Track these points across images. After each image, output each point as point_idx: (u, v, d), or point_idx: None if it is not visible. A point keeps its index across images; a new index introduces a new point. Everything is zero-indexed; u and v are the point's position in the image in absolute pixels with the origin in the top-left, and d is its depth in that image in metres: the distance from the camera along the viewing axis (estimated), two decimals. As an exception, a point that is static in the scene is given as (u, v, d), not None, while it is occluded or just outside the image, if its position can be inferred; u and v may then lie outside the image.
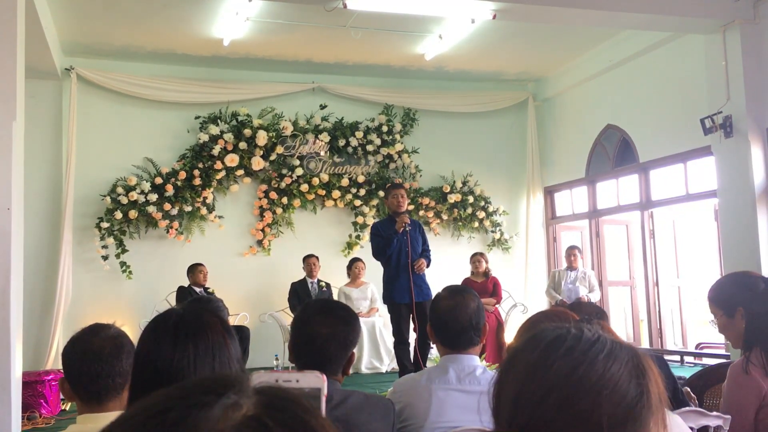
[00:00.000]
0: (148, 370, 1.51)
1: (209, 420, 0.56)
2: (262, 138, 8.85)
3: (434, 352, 6.71)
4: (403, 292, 6.40)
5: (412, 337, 6.55)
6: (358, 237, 9.35)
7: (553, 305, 8.38)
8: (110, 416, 1.90)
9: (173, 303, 7.93)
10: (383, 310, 8.40)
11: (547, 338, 0.95)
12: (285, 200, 9.05)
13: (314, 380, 0.94)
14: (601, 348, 0.92)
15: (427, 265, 6.56)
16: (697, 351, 8.27)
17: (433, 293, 2.99)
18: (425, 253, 6.61)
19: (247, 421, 0.57)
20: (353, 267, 8.64)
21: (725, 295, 2.68)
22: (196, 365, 1.48)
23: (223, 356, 1.52)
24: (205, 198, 8.77)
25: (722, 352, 7.54)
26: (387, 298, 6.55)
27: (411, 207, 9.41)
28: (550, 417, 0.89)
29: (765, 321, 2.51)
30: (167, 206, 8.55)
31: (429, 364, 7.16)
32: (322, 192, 9.20)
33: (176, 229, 8.66)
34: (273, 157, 9.00)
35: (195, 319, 1.56)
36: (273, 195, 9.02)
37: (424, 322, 6.27)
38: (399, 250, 6.43)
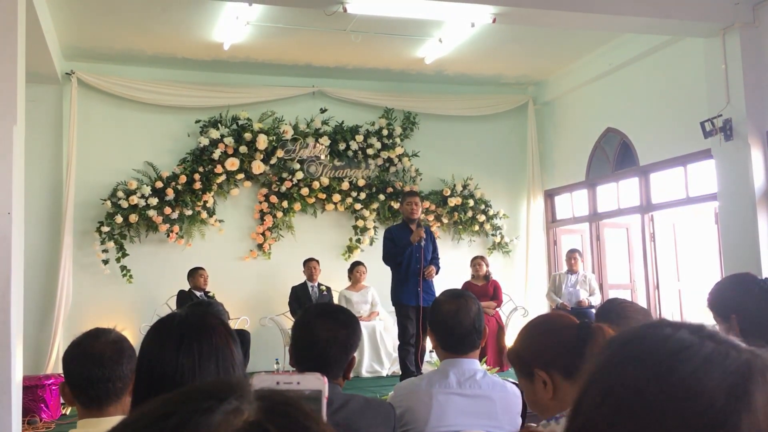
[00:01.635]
0: (152, 373, 1.50)
1: (210, 425, 0.56)
2: (262, 142, 8.83)
3: (434, 356, 6.71)
4: (411, 295, 6.50)
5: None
6: (358, 241, 9.34)
7: (554, 308, 8.37)
8: (111, 421, 1.91)
9: (174, 307, 7.92)
10: (384, 314, 8.42)
11: (626, 335, 0.81)
12: (285, 204, 9.03)
13: (315, 382, 0.95)
14: (693, 354, 0.75)
15: (436, 273, 6.66)
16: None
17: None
18: (435, 261, 6.73)
19: (249, 427, 0.57)
20: (354, 271, 8.61)
21: (719, 300, 2.69)
22: (200, 368, 1.47)
23: (227, 359, 1.51)
24: (205, 202, 8.75)
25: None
26: (395, 300, 6.67)
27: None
28: (602, 427, 0.75)
29: (758, 323, 2.50)
30: (168, 210, 8.52)
31: (429, 367, 7.15)
32: (323, 196, 9.18)
33: (177, 233, 8.64)
34: (273, 160, 8.98)
35: (199, 321, 1.55)
36: (273, 199, 9.00)
37: (424, 324, 6.29)
38: (410, 255, 6.54)
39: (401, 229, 6.73)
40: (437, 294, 2.77)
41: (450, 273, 8.44)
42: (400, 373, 6.76)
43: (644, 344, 0.78)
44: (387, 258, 6.70)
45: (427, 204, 9.50)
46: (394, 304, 6.72)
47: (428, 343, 6.48)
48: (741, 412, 0.71)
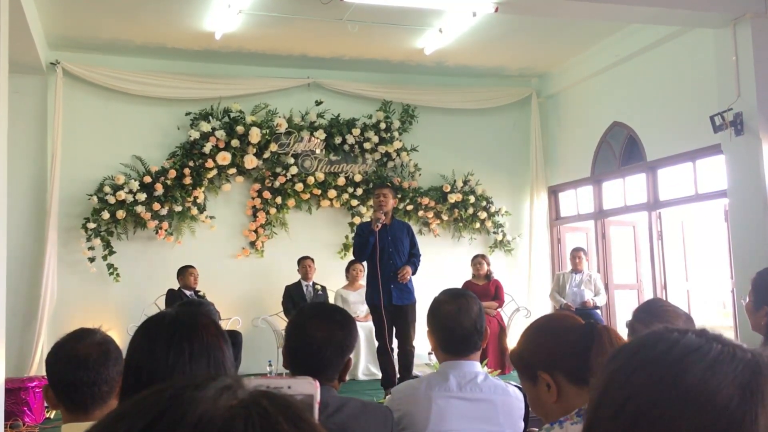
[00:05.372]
0: (140, 373, 1.47)
1: (205, 398, 0.58)
2: (255, 135, 8.67)
3: (433, 358, 6.54)
4: (375, 293, 6.33)
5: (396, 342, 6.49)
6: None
7: (558, 309, 8.24)
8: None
9: (162, 307, 7.84)
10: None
11: (637, 342, 0.84)
12: (279, 200, 8.88)
13: (306, 386, 0.95)
14: (702, 356, 0.78)
15: (413, 272, 6.49)
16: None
17: (428, 296, 2.91)
18: (412, 258, 6.53)
19: (243, 403, 0.58)
20: (351, 269, 8.47)
21: (762, 287, 2.74)
22: (191, 368, 1.46)
23: (218, 359, 1.49)
24: (195, 197, 8.60)
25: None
26: (366, 299, 6.60)
27: (410, 207, 9.29)
28: None
29: None
30: (156, 206, 8.38)
31: (428, 369, 7.00)
32: (318, 191, 9.03)
33: (166, 230, 8.50)
34: (266, 155, 8.83)
35: (190, 319, 1.54)
36: (266, 194, 8.85)
37: (402, 326, 6.19)
38: (381, 251, 6.33)
39: (369, 225, 6.58)
40: (429, 291, 2.71)
41: (450, 272, 8.43)
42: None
43: (652, 351, 0.81)
44: (354, 251, 6.79)
45: (426, 200, 9.37)
46: (367, 304, 6.72)
47: (417, 343, 6.36)
48: (756, 408, 0.74)
